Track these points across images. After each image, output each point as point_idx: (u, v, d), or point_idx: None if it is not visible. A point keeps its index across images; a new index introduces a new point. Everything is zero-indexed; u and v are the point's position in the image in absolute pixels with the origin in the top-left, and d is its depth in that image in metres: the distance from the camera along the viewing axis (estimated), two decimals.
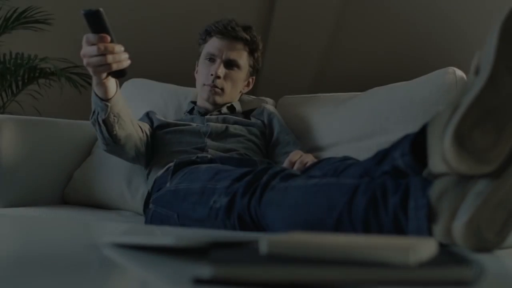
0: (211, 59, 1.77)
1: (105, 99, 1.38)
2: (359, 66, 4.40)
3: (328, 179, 0.91)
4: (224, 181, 1.12)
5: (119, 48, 1.27)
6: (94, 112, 1.44)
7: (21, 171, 1.75)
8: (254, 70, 1.86)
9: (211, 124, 1.68)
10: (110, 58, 1.26)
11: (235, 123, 1.73)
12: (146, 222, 1.36)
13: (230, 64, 1.76)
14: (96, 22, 1.23)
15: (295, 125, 1.83)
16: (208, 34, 1.79)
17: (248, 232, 1.02)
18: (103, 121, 1.42)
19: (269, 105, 1.93)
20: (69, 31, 3.56)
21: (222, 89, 1.76)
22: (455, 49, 3.94)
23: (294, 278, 0.45)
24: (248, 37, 1.77)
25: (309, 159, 1.39)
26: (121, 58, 1.28)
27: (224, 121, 1.73)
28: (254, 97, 2.06)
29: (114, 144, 1.50)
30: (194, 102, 1.89)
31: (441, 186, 0.71)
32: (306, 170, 1.16)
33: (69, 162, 1.93)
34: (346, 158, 1.13)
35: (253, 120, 1.80)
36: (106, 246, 0.64)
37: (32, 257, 0.58)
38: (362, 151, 1.61)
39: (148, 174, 1.65)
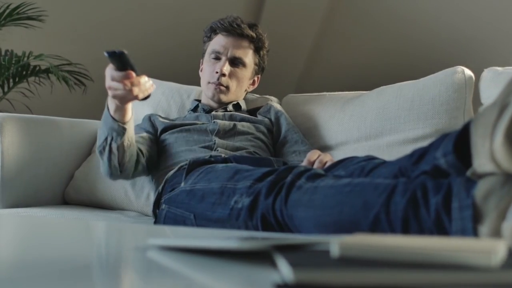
0: (216, 56, 1.75)
1: (123, 122, 1.38)
2: (343, 68, 4.42)
3: (361, 179, 0.90)
4: (245, 181, 1.10)
5: (143, 79, 1.28)
6: (105, 139, 1.41)
7: (22, 170, 1.71)
8: (260, 69, 1.84)
9: (219, 121, 1.66)
10: (136, 90, 1.27)
11: (242, 120, 1.71)
12: (159, 222, 1.34)
13: (236, 62, 1.74)
14: (120, 61, 1.23)
15: (301, 124, 1.82)
16: (213, 31, 1.77)
17: (272, 232, 1.00)
18: (117, 147, 1.41)
19: (275, 103, 1.92)
20: (62, 28, 3.53)
21: (227, 87, 1.74)
22: (443, 50, 3.96)
23: (377, 282, 0.43)
24: (254, 34, 1.76)
25: (328, 158, 1.38)
26: (146, 87, 1.29)
27: (231, 118, 1.71)
28: (258, 95, 2.04)
29: (120, 173, 1.48)
30: (198, 100, 1.87)
31: (487, 186, 0.70)
32: (328, 169, 1.15)
33: (70, 161, 1.90)
34: (370, 158, 1.12)
35: (259, 117, 1.78)
36: (152, 248, 0.62)
37: (61, 260, 0.56)
38: (372, 150, 1.62)
39: (154, 174, 1.63)
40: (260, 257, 0.55)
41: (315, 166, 1.34)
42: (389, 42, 4.18)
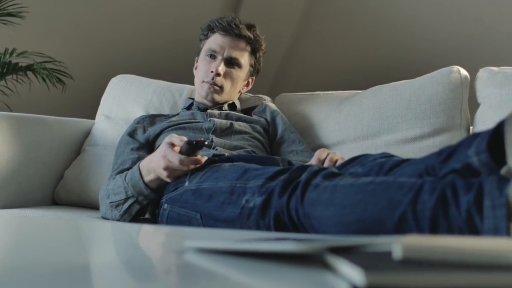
0: (212, 55, 1.72)
1: (154, 189, 1.38)
2: (320, 69, 4.43)
3: (384, 177, 0.89)
4: (256, 180, 1.08)
5: (204, 159, 1.30)
6: (126, 199, 1.39)
7: (12, 170, 1.67)
8: (255, 70, 1.82)
9: (216, 120, 1.63)
10: (192, 167, 1.29)
11: (238, 119, 1.69)
12: (161, 223, 1.31)
13: (231, 62, 1.72)
14: (194, 148, 1.26)
15: (296, 123, 1.81)
16: (210, 30, 1.75)
17: (285, 232, 0.99)
18: (138, 209, 1.41)
19: (270, 103, 1.90)
20: (42, 25, 3.46)
21: (221, 87, 1.72)
22: (426, 51, 4.00)
23: (453, 284, 0.42)
24: (251, 35, 1.74)
25: (338, 156, 1.37)
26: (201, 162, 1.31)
27: (226, 117, 1.69)
28: (251, 95, 2.02)
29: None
30: (192, 99, 1.84)
31: None
32: (341, 167, 1.14)
33: (59, 160, 1.86)
34: (387, 155, 1.11)
35: (255, 117, 1.76)
36: (191, 251, 0.60)
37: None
38: (370, 150, 1.61)
39: None
40: (301, 259, 0.53)
41: (325, 164, 1.33)
42: (371, 43, 4.20)
